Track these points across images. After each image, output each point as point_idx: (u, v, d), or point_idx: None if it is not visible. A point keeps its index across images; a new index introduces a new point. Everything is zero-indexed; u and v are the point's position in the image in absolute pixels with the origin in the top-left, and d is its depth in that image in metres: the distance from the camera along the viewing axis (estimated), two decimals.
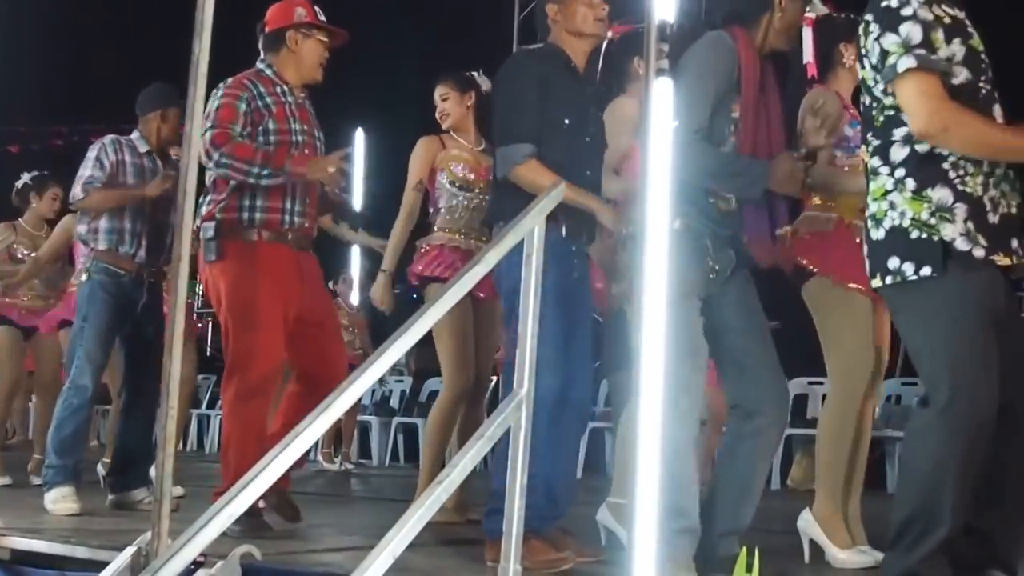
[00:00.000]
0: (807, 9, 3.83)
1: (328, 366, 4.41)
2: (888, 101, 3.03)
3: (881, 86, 3.02)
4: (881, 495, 6.76)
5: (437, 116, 5.31)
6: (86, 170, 5.25)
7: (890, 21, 2.98)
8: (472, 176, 5.18)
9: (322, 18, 4.57)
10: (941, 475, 2.88)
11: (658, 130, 2.35)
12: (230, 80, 4.40)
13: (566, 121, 3.79)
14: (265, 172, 4.22)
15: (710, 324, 3.55)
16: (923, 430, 2.95)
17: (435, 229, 5.21)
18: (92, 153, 5.30)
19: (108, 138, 5.38)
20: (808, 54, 4.21)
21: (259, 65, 4.54)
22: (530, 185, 3.67)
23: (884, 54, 2.98)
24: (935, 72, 2.93)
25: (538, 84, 3.78)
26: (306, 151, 4.43)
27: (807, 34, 4.16)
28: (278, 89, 4.45)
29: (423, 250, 5.21)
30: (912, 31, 2.94)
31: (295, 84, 4.52)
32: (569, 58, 3.89)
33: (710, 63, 3.50)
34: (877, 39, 3.01)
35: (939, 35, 2.96)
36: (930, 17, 2.96)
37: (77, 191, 5.24)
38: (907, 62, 2.93)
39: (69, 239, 6.67)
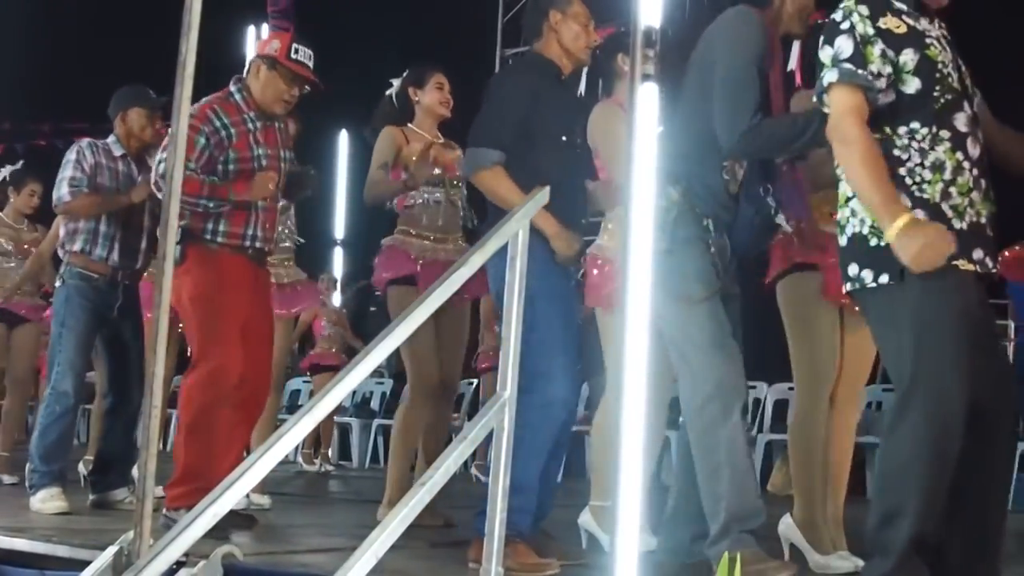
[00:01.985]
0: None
1: (254, 374, 4.50)
2: None
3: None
4: (862, 501, 6.77)
5: (439, 102, 5.21)
6: (67, 171, 5.26)
7: (829, 35, 3.06)
8: (438, 170, 5.11)
9: (297, 57, 4.59)
10: (906, 475, 2.91)
11: (643, 136, 2.36)
12: (195, 108, 4.40)
13: (563, 138, 3.83)
14: (211, 204, 4.36)
15: None
16: (889, 432, 2.99)
17: (398, 229, 5.17)
18: (71, 156, 5.31)
19: (84, 141, 5.40)
20: (793, 62, 4.22)
21: (231, 88, 4.61)
22: (489, 191, 3.74)
23: (820, 66, 3.06)
24: (856, 85, 2.98)
25: (529, 97, 3.80)
26: (271, 173, 4.51)
27: (796, 42, 4.18)
28: (244, 116, 4.53)
29: (384, 250, 5.17)
30: (843, 45, 3.01)
31: (259, 111, 4.59)
32: (559, 70, 3.92)
33: (746, 37, 3.49)
34: (819, 52, 3.08)
35: (875, 49, 2.99)
36: (870, 31, 3.00)
37: (63, 193, 5.24)
38: (831, 75, 3.01)
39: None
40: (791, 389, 8.32)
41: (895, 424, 2.96)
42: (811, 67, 4.11)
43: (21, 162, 7.25)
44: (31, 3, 11.29)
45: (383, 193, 5.09)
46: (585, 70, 4.65)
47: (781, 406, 8.64)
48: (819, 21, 4.10)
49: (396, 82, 5.32)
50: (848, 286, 3.04)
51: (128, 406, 5.19)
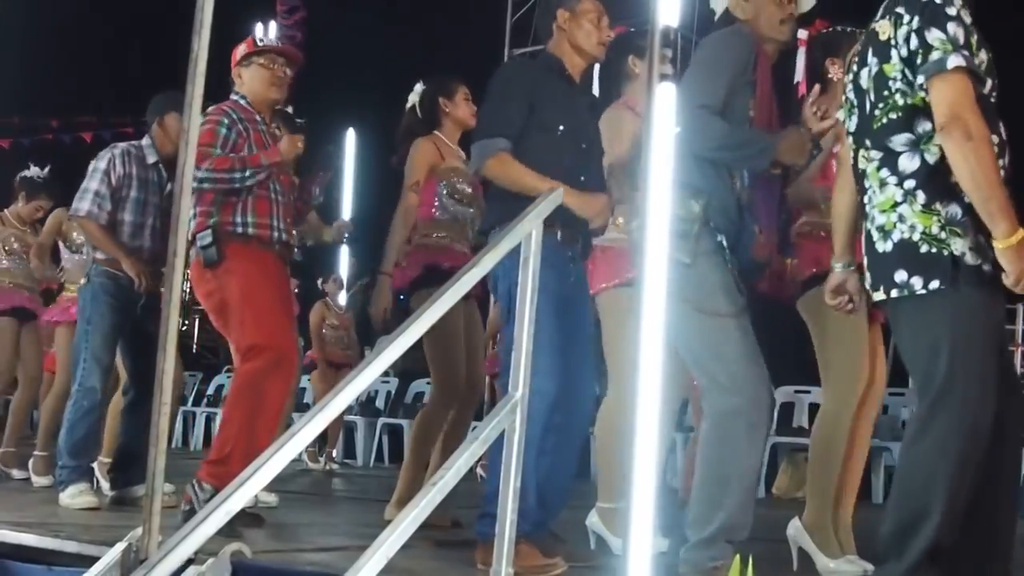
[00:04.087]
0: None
1: None
2: (908, 101, 2.98)
3: (920, 80, 2.95)
4: (867, 505, 6.78)
5: (471, 114, 5.18)
6: (93, 183, 5.30)
7: (934, 16, 2.94)
8: (471, 190, 5.14)
9: (263, 43, 4.76)
10: (932, 484, 2.89)
11: (660, 135, 2.36)
12: (211, 108, 4.55)
13: (560, 127, 3.79)
14: (248, 173, 4.43)
15: None
16: (917, 441, 2.96)
17: (428, 235, 5.13)
18: (102, 165, 5.33)
19: (119, 149, 5.42)
20: (799, 73, 4.22)
21: (234, 96, 4.71)
22: (499, 179, 3.70)
23: (927, 48, 2.92)
24: (975, 76, 2.91)
25: (528, 86, 3.78)
26: (282, 178, 4.60)
27: (800, 54, 4.17)
28: (256, 117, 4.65)
29: (413, 250, 5.13)
30: (958, 31, 2.92)
31: (264, 112, 4.70)
32: (564, 67, 3.90)
33: (726, 50, 3.52)
34: (917, 31, 2.95)
35: (974, 40, 2.95)
36: (968, 21, 2.95)
37: (83, 207, 5.27)
38: (956, 60, 2.89)
39: (59, 229, 6.73)
40: (797, 392, 8.40)
41: (922, 432, 2.93)
42: (817, 78, 4.12)
43: (48, 168, 7.23)
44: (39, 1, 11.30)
45: (410, 217, 5.11)
46: (597, 72, 4.63)
47: (786, 409, 8.65)
48: (822, 30, 4.10)
49: (414, 94, 5.32)
50: (893, 292, 2.99)
51: (150, 402, 5.18)
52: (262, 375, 4.34)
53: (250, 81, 4.67)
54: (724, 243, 3.52)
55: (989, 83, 2.98)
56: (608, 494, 4.23)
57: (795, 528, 3.97)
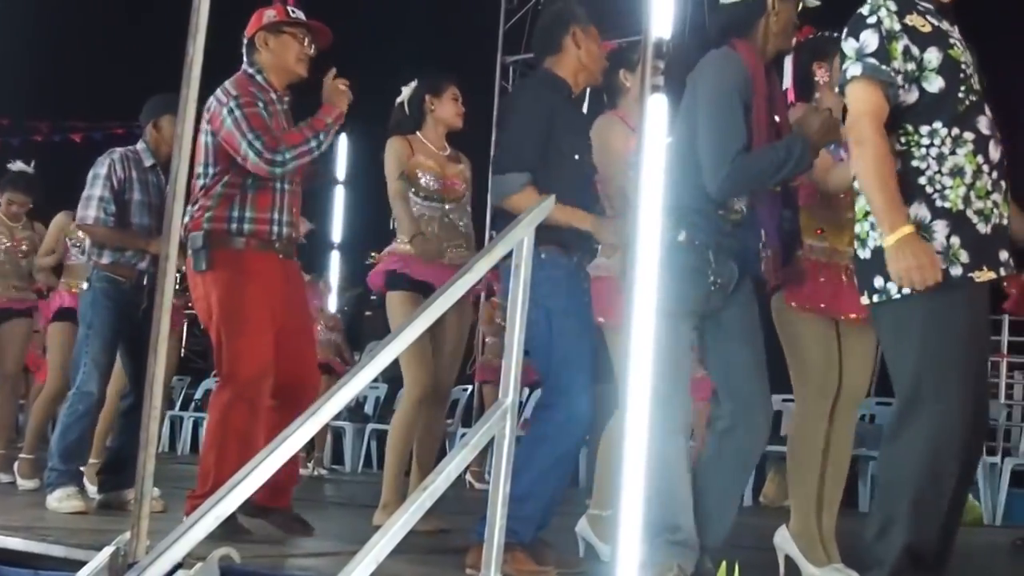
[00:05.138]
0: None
1: (304, 375, 4.48)
2: None
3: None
4: (854, 514, 6.79)
5: (456, 114, 5.23)
6: (96, 189, 5.29)
7: (854, 27, 3.08)
8: (437, 186, 5.11)
9: (296, 15, 4.52)
10: (900, 488, 2.92)
11: (652, 146, 2.37)
12: (230, 87, 4.35)
13: (576, 155, 3.82)
14: (322, 138, 4.31)
15: (710, 335, 3.59)
16: (887, 443, 3.00)
17: (398, 240, 5.13)
18: (102, 171, 5.31)
19: (117, 154, 5.39)
20: (787, 79, 4.24)
21: (249, 70, 4.49)
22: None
23: (843, 59, 3.09)
24: (878, 81, 3.00)
25: (546, 115, 3.78)
26: (340, 82, 4.44)
27: (788, 59, 4.19)
28: (271, 95, 4.44)
29: (388, 255, 5.13)
30: (869, 39, 3.03)
31: (280, 87, 4.50)
32: (570, 89, 3.92)
33: (727, 80, 3.49)
34: (842, 45, 3.11)
35: (899, 45, 3.01)
36: (896, 27, 3.02)
37: (90, 214, 5.26)
38: (855, 69, 3.03)
39: (61, 236, 6.72)
40: (785, 401, 8.40)
41: (894, 436, 2.97)
42: (804, 83, 4.15)
43: (32, 163, 7.20)
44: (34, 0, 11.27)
45: (401, 216, 5.09)
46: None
47: (774, 418, 8.62)
48: (809, 36, 4.14)
49: (406, 90, 5.31)
50: (874, 298, 3.03)
51: None
52: (231, 409, 4.23)
53: (278, 50, 4.44)
54: (711, 257, 3.50)
55: (939, 82, 3.02)
56: (604, 502, 4.24)
57: (782, 536, 3.98)
